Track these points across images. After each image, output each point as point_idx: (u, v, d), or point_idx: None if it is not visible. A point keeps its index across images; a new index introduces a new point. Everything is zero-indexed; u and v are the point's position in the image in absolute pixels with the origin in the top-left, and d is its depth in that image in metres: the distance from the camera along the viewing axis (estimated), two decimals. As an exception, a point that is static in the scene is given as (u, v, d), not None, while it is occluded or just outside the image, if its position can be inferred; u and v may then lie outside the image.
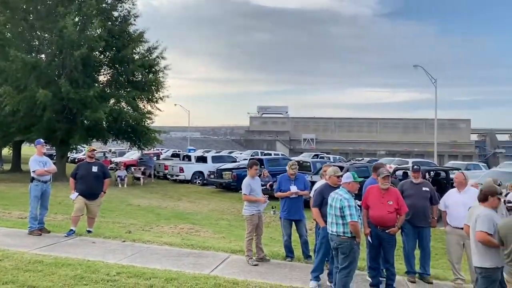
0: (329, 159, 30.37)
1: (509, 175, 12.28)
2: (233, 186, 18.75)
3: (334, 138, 70.62)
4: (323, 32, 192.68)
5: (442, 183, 13.72)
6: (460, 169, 10.58)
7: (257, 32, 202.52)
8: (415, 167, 7.06)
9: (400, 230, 6.86)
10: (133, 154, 29.36)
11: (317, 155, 35.56)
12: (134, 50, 23.39)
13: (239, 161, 24.89)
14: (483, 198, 4.83)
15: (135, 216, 12.58)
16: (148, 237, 8.67)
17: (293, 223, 7.51)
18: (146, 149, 25.42)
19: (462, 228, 5.60)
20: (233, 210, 14.56)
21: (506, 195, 6.59)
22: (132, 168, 24.76)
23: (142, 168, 24.08)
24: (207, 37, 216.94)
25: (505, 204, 5.88)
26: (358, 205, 5.64)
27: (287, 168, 7.71)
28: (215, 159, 25.00)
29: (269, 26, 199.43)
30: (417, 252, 6.89)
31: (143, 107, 23.95)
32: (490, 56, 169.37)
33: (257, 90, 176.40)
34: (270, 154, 33.79)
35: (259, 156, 27.74)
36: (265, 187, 13.68)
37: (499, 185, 5.39)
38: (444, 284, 6.57)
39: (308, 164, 18.86)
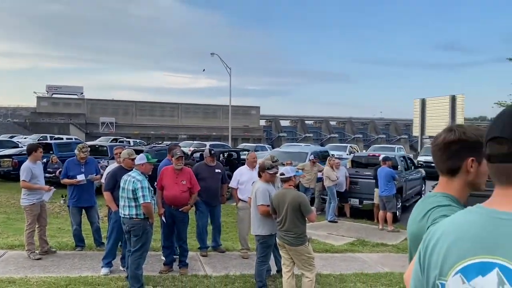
0: (129, 143, 29.56)
1: (286, 154, 14.25)
2: (14, 175, 16.30)
3: (135, 122, 68.79)
4: (121, 10, 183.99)
5: (234, 163, 14.98)
6: (250, 150, 11.72)
7: (49, 3, 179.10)
8: (212, 152, 7.45)
9: (194, 209, 7.19)
10: None
11: (116, 139, 34.09)
12: None
13: (22, 147, 21.79)
14: (259, 174, 5.49)
15: None
16: None
17: (84, 210, 7.03)
18: None
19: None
20: (14, 201, 12.69)
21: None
22: None
23: None
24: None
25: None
26: (153, 187, 5.63)
27: (76, 151, 7.13)
28: (-10, 145, 21.29)
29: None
30: (209, 228, 7.35)
31: None
32: (277, 50, 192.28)
33: (47, 67, 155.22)
34: (62, 139, 30.82)
35: (48, 141, 24.92)
36: (54, 174, 12.44)
37: (276, 161, 6.10)
38: (233, 254, 7.20)
39: (105, 148, 17.85)
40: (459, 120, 15.85)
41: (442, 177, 1.60)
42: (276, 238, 5.08)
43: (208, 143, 28.24)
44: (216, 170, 7.25)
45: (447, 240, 1.06)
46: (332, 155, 14.41)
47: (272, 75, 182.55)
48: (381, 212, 10.01)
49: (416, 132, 17.98)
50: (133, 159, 5.75)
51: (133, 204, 5.09)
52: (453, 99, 16.11)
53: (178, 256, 6.21)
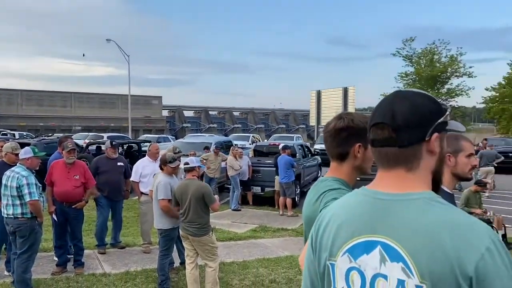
0: (14, 136, 26.82)
1: (190, 145, 14.10)
2: None
3: (22, 113, 62.48)
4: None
5: (135, 155, 14.43)
6: (152, 142, 11.35)
7: None
8: (113, 143, 7.07)
9: (95, 204, 6.79)
10: None
11: (-2, 132, 30.67)
12: None
13: None
14: (161, 167, 5.35)
15: None
16: None
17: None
18: None
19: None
20: None
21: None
22: None
23: None
24: None
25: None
26: (42, 183, 5.16)
27: None
28: None
29: None
30: (109, 224, 6.99)
31: None
32: (179, 39, 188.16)
33: None
34: None
35: None
36: None
37: (178, 152, 5.96)
38: (133, 249, 6.94)
39: (-15, 142, 15.97)
40: (351, 110, 17.04)
41: (332, 162, 1.68)
42: (179, 230, 5.00)
43: (105, 135, 26.77)
44: (118, 163, 6.93)
45: (336, 222, 1.11)
46: (235, 145, 14.59)
47: (174, 65, 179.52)
48: (281, 198, 10.42)
49: (312, 122, 18.93)
50: (17, 154, 5.21)
51: (17, 202, 4.64)
52: (345, 91, 17.25)
53: (72, 256, 5.80)
